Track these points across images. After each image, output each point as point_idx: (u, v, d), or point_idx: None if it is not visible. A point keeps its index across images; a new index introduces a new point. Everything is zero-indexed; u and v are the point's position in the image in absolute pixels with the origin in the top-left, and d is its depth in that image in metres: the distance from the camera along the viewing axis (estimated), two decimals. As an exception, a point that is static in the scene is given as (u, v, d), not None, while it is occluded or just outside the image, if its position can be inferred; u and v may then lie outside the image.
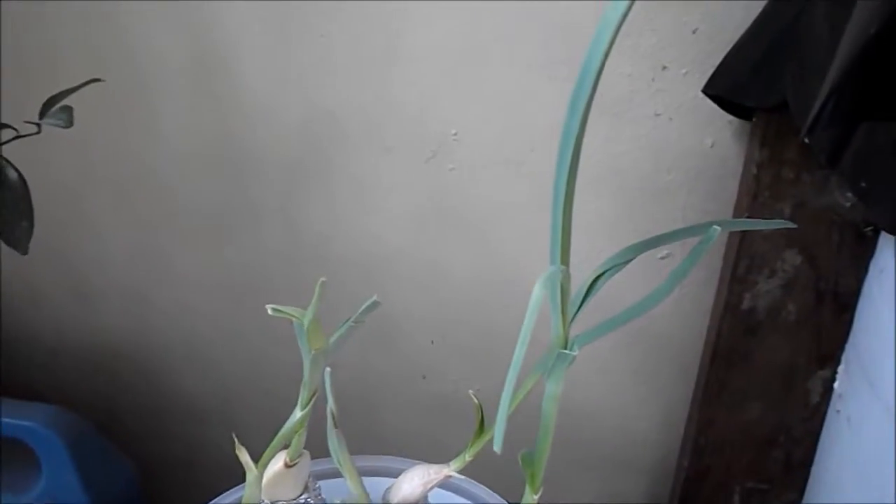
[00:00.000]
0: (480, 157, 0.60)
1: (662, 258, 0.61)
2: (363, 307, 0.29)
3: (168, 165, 0.65)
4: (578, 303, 0.33)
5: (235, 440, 0.28)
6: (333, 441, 0.26)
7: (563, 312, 0.23)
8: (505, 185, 0.61)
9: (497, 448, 0.20)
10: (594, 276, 0.32)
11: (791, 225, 0.33)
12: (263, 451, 0.41)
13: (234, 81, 0.61)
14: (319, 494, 0.37)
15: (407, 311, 0.67)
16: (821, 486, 0.50)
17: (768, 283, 0.57)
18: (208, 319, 0.72)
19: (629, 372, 0.66)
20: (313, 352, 0.25)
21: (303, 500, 0.36)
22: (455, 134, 0.60)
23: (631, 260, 0.32)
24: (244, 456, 0.28)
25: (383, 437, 0.73)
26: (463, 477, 0.34)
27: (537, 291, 0.20)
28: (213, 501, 0.36)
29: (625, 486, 0.72)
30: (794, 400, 0.61)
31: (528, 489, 0.28)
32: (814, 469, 0.53)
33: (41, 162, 0.58)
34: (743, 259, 0.57)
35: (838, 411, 0.47)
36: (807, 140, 0.43)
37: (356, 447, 0.44)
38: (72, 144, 0.65)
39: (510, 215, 0.62)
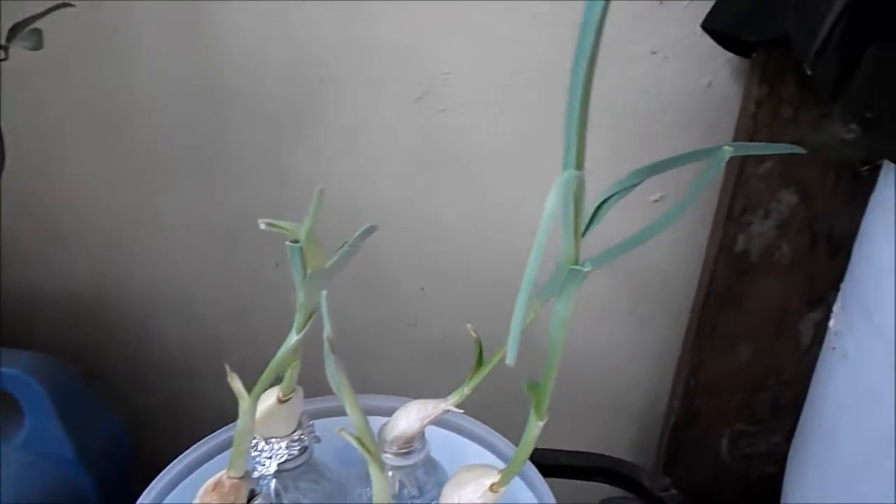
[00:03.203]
0: (471, 97, 0.58)
1: (656, 201, 0.60)
2: (359, 232, 0.28)
3: (149, 105, 0.63)
4: (583, 229, 0.32)
5: (227, 368, 0.27)
6: (331, 367, 0.25)
7: (576, 225, 0.21)
8: (496, 128, 0.59)
9: (510, 361, 0.19)
10: (600, 201, 0.31)
11: (800, 150, 0.32)
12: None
13: (218, 18, 0.58)
14: (313, 432, 0.37)
15: (396, 257, 0.66)
16: (813, 424, 0.50)
17: (763, 224, 0.57)
18: (193, 267, 0.70)
19: (624, 315, 0.66)
20: (310, 270, 0.24)
21: (296, 437, 0.35)
22: (446, 73, 0.58)
23: (638, 184, 0.31)
24: (237, 384, 0.27)
25: (373, 386, 0.72)
26: (460, 412, 0.34)
27: (552, 198, 0.18)
28: (208, 437, 0.35)
29: (614, 433, 0.72)
30: (784, 342, 0.61)
31: (532, 416, 0.27)
32: (805, 408, 0.53)
33: (11, 99, 0.55)
34: (738, 199, 0.56)
35: (834, 349, 0.47)
36: (809, 71, 0.41)
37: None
38: (45, 81, 0.62)
39: (500, 159, 0.60)
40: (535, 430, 0.27)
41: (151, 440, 0.74)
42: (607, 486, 0.60)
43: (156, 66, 0.61)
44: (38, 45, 0.35)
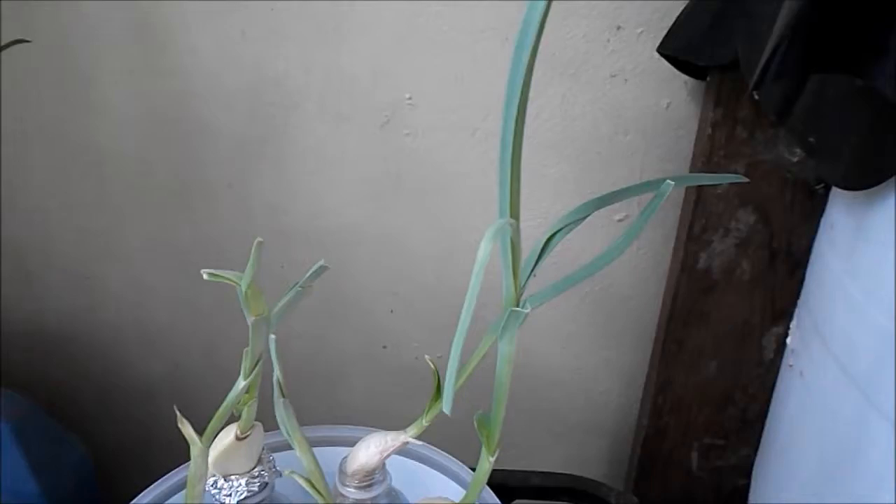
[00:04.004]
0: (435, 121, 0.59)
1: (620, 220, 0.61)
2: (310, 272, 0.28)
3: (112, 137, 0.63)
4: (534, 262, 0.32)
5: (178, 413, 0.27)
6: (280, 410, 0.25)
7: (514, 269, 0.22)
8: (461, 151, 0.60)
9: (447, 410, 0.19)
10: (549, 234, 0.31)
11: (744, 179, 0.33)
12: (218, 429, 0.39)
13: (181, 51, 0.58)
14: (274, 467, 0.37)
15: (364, 281, 0.66)
16: (774, 438, 0.51)
17: (723, 243, 0.58)
18: (160, 297, 0.69)
19: (592, 337, 0.66)
20: (254, 318, 0.24)
21: (256, 473, 0.35)
22: (409, 98, 0.58)
23: (586, 217, 0.32)
24: (187, 429, 0.27)
25: (345, 409, 0.72)
26: (421, 443, 0.34)
27: (485, 245, 0.19)
28: (165, 477, 0.35)
29: (587, 450, 0.73)
30: (748, 357, 0.62)
31: (483, 451, 0.28)
32: (767, 423, 0.54)
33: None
34: (698, 219, 0.57)
35: (791, 366, 0.48)
36: (756, 95, 0.42)
37: (317, 420, 0.43)
38: (6, 114, 0.62)
39: (466, 182, 0.61)
40: (486, 464, 0.28)
41: (118, 470, 0.74)
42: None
43: (119, 99, 0.61)
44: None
